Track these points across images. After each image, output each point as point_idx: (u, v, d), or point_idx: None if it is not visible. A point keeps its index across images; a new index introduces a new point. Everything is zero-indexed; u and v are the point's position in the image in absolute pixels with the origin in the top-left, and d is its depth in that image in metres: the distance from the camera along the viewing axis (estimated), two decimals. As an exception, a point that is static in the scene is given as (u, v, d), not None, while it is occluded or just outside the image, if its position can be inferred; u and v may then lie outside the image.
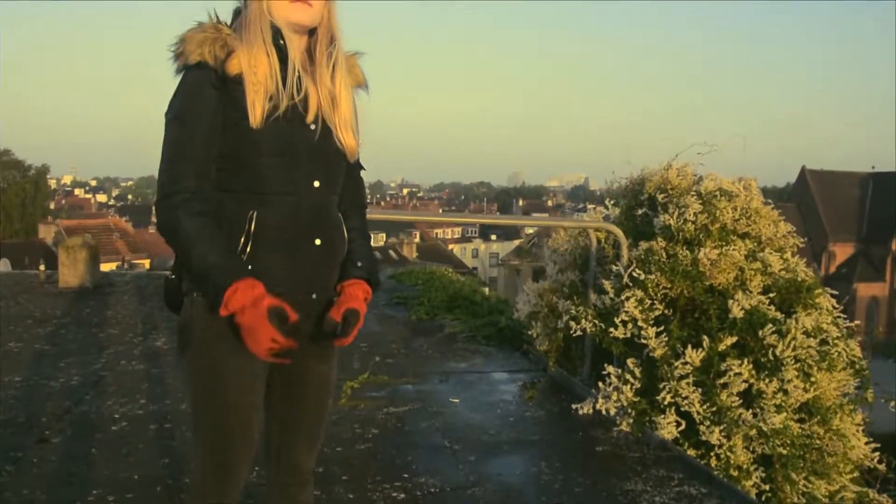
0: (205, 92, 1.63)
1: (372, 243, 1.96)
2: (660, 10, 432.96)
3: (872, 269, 50.08)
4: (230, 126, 1.65)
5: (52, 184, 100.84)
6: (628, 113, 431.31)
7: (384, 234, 60.24)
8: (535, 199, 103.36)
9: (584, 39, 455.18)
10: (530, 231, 61.09)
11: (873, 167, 54.22)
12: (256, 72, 1.63)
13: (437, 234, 66.15)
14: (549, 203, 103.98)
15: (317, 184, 1.73)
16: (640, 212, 4.78)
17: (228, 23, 1.73)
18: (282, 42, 1.68)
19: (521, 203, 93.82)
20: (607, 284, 4.33)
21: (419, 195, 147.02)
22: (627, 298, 4.10)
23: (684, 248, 4.29)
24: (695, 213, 4.38)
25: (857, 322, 5.29)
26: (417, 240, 58.57)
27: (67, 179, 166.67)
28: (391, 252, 46.80)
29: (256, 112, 1.62)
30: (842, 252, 51.50)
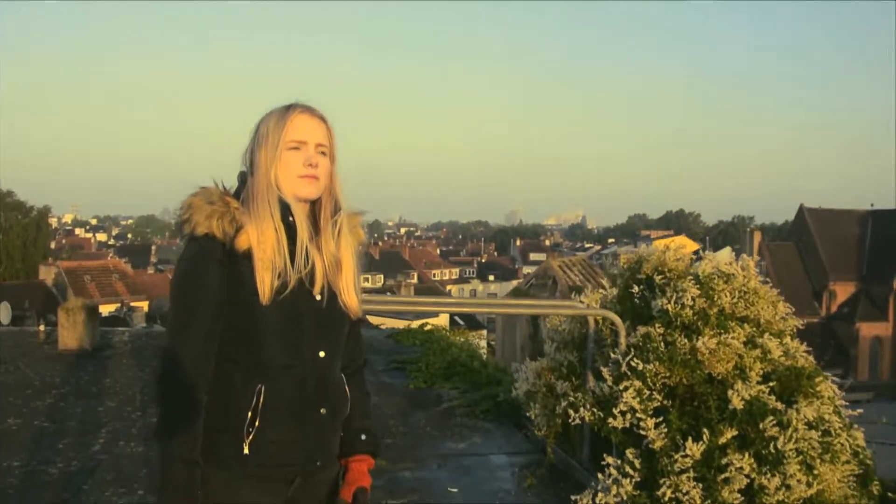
0: (211, 268, 1.66)
1: (369, 405, 1.98)
2: (658, 46, 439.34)
3: (875, 308, 49.91)
4: (237, 301, 1.67)
5: (54, 222, 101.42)
6: (625, 149, 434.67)
7: (382, 276, 60.40)
8: (532, 239, 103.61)
9: (579, 78, 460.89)
10: (528, 271, 61.40)
11: (872, 205, 54.42)
12: (265, 249, 1.66)
13: (434, 274, 66.30)
14: (547, 242, 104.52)
15: (322, 353, 1.75)
16: (637, 290, 4.79)
17: (234, 188, 1.77)
18: (291, 219, 1.71)
19: (518, 243, 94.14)
20: (605, 372, 4.32)
21: (416, 234, 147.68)
22: (626, 388, 4.09)
23: (682, 335, 4.29)
24: (692, 298, 4.39)
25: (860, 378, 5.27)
26: (415, 280, 58.66)
27: (68, 218, 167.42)
28: (388, 295, 46.63)
29: (265, 289, 1.65)
30: (843, 291, 51.39)
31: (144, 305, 39.42)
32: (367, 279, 59.80)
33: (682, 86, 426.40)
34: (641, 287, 4.73)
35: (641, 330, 4.42)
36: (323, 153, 1.78)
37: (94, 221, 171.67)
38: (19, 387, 6.79)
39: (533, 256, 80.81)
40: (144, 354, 8.53)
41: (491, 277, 69.41)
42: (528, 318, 45.23)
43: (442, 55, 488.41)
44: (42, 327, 9.61)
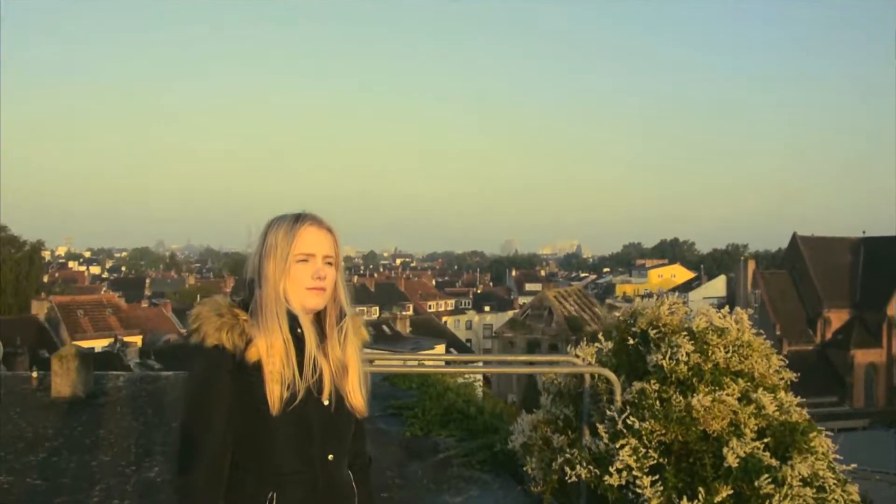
0: (221, 379, 1.69)
1: (375, 499, 2.02)
2: (650, 77, 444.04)
3: (869, 335, 50.06)
4: (247, 411, 1.71)
5: (47, 255, 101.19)
6: (619, 177, 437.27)
7: (377, 308, 60.30)
8: (527, 269, 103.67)
9: (573, 107, 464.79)
10: (524, 302, 61.44)
11: (864, 232, 54.81)
12: (274, 361, 1.70)
13: (430, 306, 66.20)
14: (542, 272, 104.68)
15: (331, 457, 1.80)
16: (631, 343, 4.83)
17: (239, 296, 1.82)
18: (299, 331, 1.75)
19: (514, 273, 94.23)
20: (601, 429, 4.33)
21: (412, 265, 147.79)
22: (622, 446, 4.11)
23: (677, 391, 4.31)
24: (687, 353, 4.42)
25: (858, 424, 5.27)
26: (411, 312, 58.57)
27: (62, 251, 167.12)
28: (384, 327, 46.66)
29: (275, 401, 1.69)
30: (837, 318, 51.56)
31: (138, 340, 39.21)
32: (362, 311, 59.77)
33: (675, 114, 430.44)
34: (636, 340, 4.77)
35: (637, 385, 4.44)
36: (329, 263, 1.83)
37: (87, 254, 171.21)
38: (11, 439, 6.74)
39: (529, 286, 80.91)
40: (139, 402, 8.48)
41: (487, 308, 69.30)
42: (524, 350, 45.00)
43: (436, 85, 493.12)
44: (35, 373, 9.54)
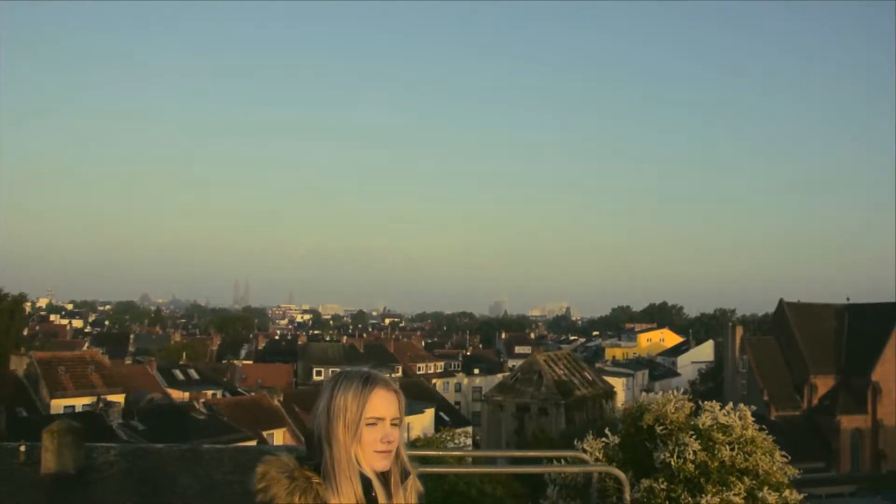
0: None
1: None
2: (640, 144, 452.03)
3: (854, 401, 50.02)
4: None
5: (28, 307, 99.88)
6: (608, 242, 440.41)
7: (365, 369, 59.46)
8: (517, 332, 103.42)
9: (565, 173, 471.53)
10: (514, 364, 61.10)
11: (848, 298, 55.26)
12: None
13: (419, 368, 65.63)
14: (532, 335, 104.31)
15: None
16: (638, 438, 4.86)
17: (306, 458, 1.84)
18: (373, 494, 1.81)
19: (503, 335, 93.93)
20: (611, 529, 4.34)
21: (401, 325, 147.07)
22: (633, 549, 4.10)
23: (685, 490, 4.34)
24: (694, 452, 4.46)
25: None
26: (400, 374, 58.03)
27: (43, 303, 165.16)
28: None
29: None
30: (823, 384, 51.53)
31: (121, 399, 38.48)
32: (350, 372, 58.94)
33: (665, 180, 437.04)
34: (643, 437, 4.81)
35: (644, 483, 4.46)
36: (395, 425, 1.88)
37: (70, 307, 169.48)
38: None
39: (518, 349, 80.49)
40: (132, 479, 8.34)
41: (476, 371, 68.73)
42: (514, 414, 44.52)
43: (432, 146, 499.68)
44: (23, 447, 9.38)
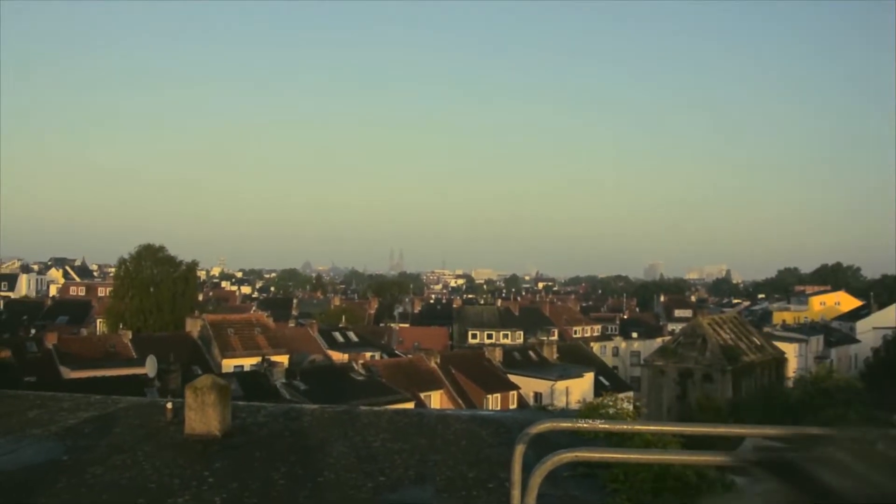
0: None
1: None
2: (816, 90, 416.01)
3: None
4: None
5: (202, 275, 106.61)
6: (772, 203, 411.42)
7: (522, 333, 58.37)
8: (676, 294, 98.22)
9: (701, 129, 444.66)
10: (674, 328, 57.67)
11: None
12: None
13: (576, 331, 63.47)
14: (692, 298, 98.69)
15: None
16: None
17: None
18: None
19: (662, 299, 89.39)
20: None
21: (554, 289, 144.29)
22: None
23: None
24: None
25: None
26: (556, 338, 56.22)
27: (216, 271, 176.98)
28: (531, 353, 44.74)
29: None
30: None
31: (285, 360, 39.48)
32: (506, 335, 58.09)
33: (834, 129, 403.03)
34: None
35: None
36: None
37: (239, 274, 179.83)
38: (132, 491, 5.61)
39: (678, 313, 76.34)
40: (280, 443, 7.26)
41: (634, 335, 65.54)
42: (676, 380, 41.78)
43: (579, 109, 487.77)
44: (169, 404, 8.57)
